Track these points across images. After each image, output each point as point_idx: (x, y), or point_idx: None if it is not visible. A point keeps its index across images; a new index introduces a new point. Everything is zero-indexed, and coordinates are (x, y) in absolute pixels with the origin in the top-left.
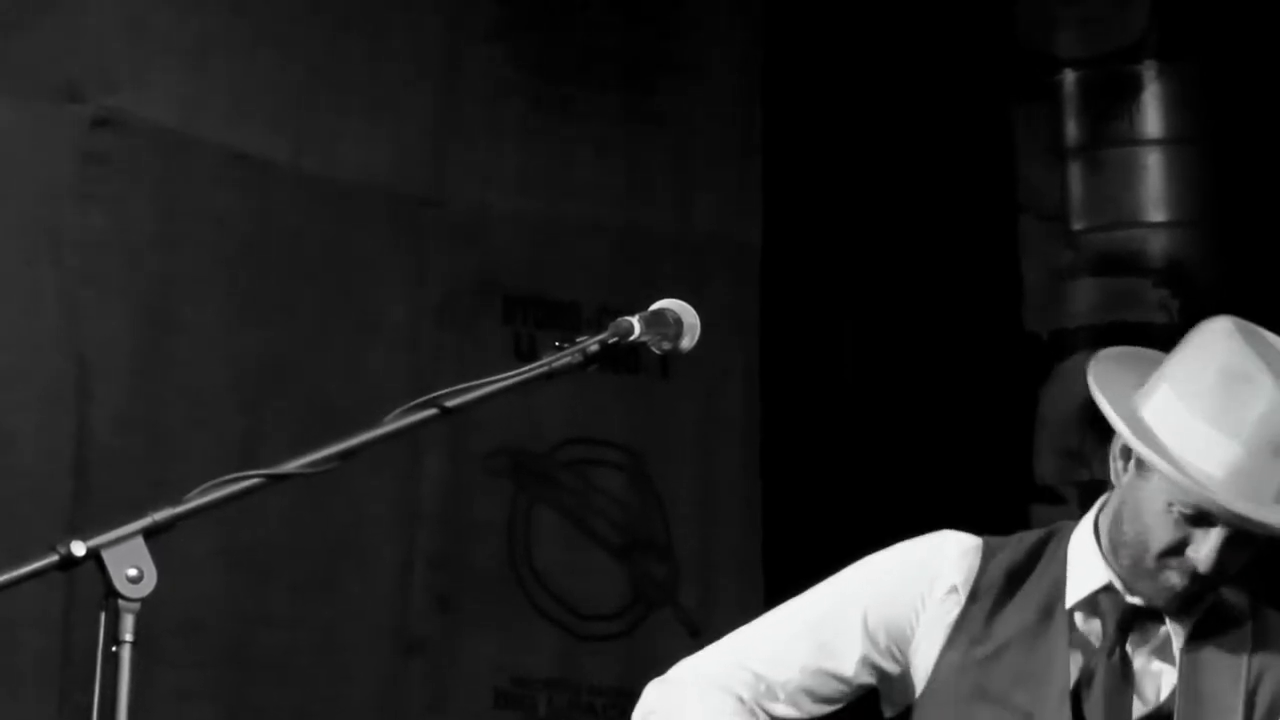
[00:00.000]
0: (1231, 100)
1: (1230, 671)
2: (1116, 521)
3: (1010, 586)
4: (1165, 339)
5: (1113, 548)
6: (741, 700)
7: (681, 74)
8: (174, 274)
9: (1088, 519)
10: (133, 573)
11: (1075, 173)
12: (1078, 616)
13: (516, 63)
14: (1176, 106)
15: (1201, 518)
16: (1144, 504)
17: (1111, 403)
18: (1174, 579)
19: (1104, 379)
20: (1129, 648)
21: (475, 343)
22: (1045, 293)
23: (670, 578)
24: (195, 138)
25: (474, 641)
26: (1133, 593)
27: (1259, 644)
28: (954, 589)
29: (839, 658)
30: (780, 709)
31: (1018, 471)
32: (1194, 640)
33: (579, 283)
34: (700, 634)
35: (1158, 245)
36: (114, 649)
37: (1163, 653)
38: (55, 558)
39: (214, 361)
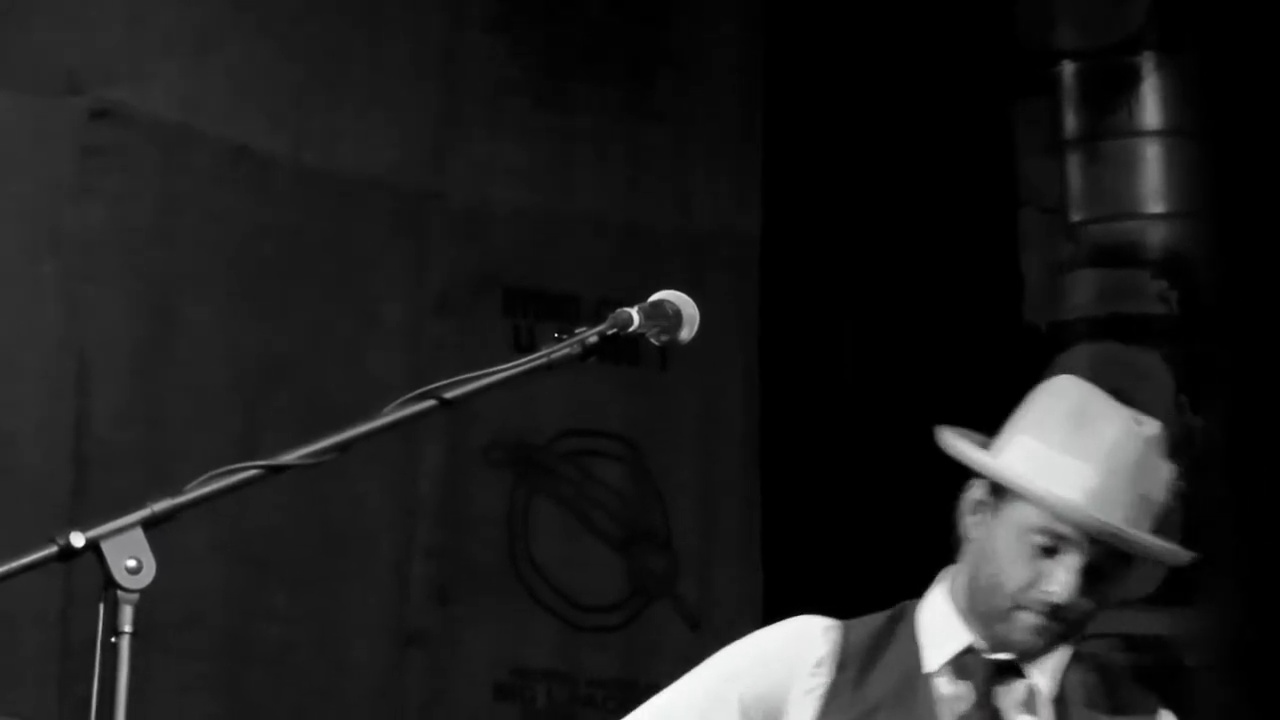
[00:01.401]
0: (1230, 92)
1: None
2: (973, 574)
3: (871, 658)
4: (1164, 330)
5: (970, 604)
6: None
7: (682, 69)
8: (173, 268)
9: (936, 590)
10: (132, 564)
11: (1074, 165)
12: (942, 681)
13: (517, 57)
14: (1175, 98)
15: (1056, 547)
16: (999, 544)
17: (967, 450)
18: (1030, 619)
19: (953, 438)
20: (997, 704)
21: (475, 335)
22: (1045, 284)
23: (669, 569)
24: (195, 131)
25: (473, 634)
26: (994, 645)
27: (1115, 708)
28: (820, 661)
29: None
30: None
31: None
32: (1061, 698)
33: (579, 276)
34: (699, 626)
35: (1157, 237)
36: (113, 640)
37: (1031, 707)
38: (54, 549)
39: (214, 356)
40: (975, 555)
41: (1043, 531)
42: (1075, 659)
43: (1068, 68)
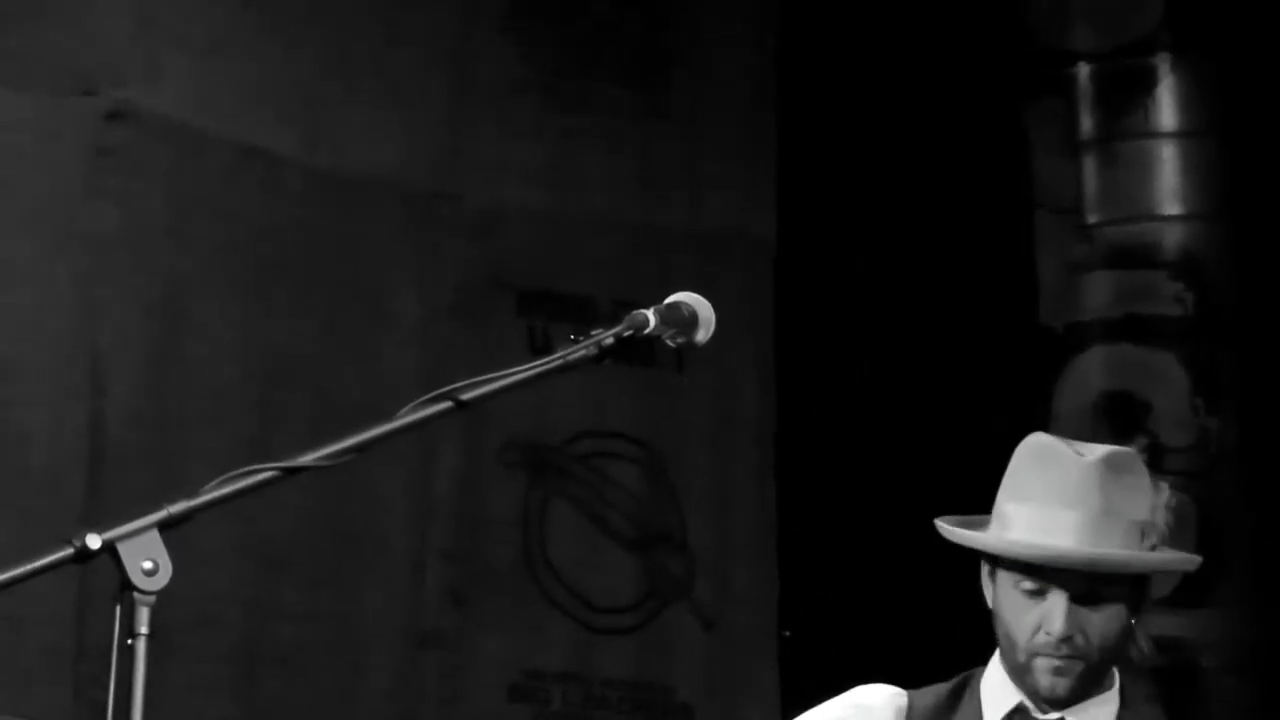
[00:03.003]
0: (1246, 93)
1: None
2: (999, 639)
3: None
4: (1180, 332)
5: (1008, 666)
6: None
7: (695, 69)
8: (186, 268)
9: (995, 656)
10: (148, 565)
11: (1089, 166)
12: None
13: (529, 58)
14: (1191, 99)
15: (1041, 588)
16: (1003, 603)
17: (950, 530)
18: (1045, 662)
19: (945, 524)
20: None
21: (489, 337)
22: (1060, 286)
23: (685, 571)
24: (207, 132)
25: (488, 635)
26: (1037, 702)
27: None
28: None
29: None
30: None
31: None
32: None
33: (593, 277)
34: (714, 627)
35: (1172, 238)
36: (129, 642)
37: None
38: (70, 550)
39: (227, 356)
40: (995, 621)
41: (1023, 578)
42: (1126, 704)
43: (1083, 69)
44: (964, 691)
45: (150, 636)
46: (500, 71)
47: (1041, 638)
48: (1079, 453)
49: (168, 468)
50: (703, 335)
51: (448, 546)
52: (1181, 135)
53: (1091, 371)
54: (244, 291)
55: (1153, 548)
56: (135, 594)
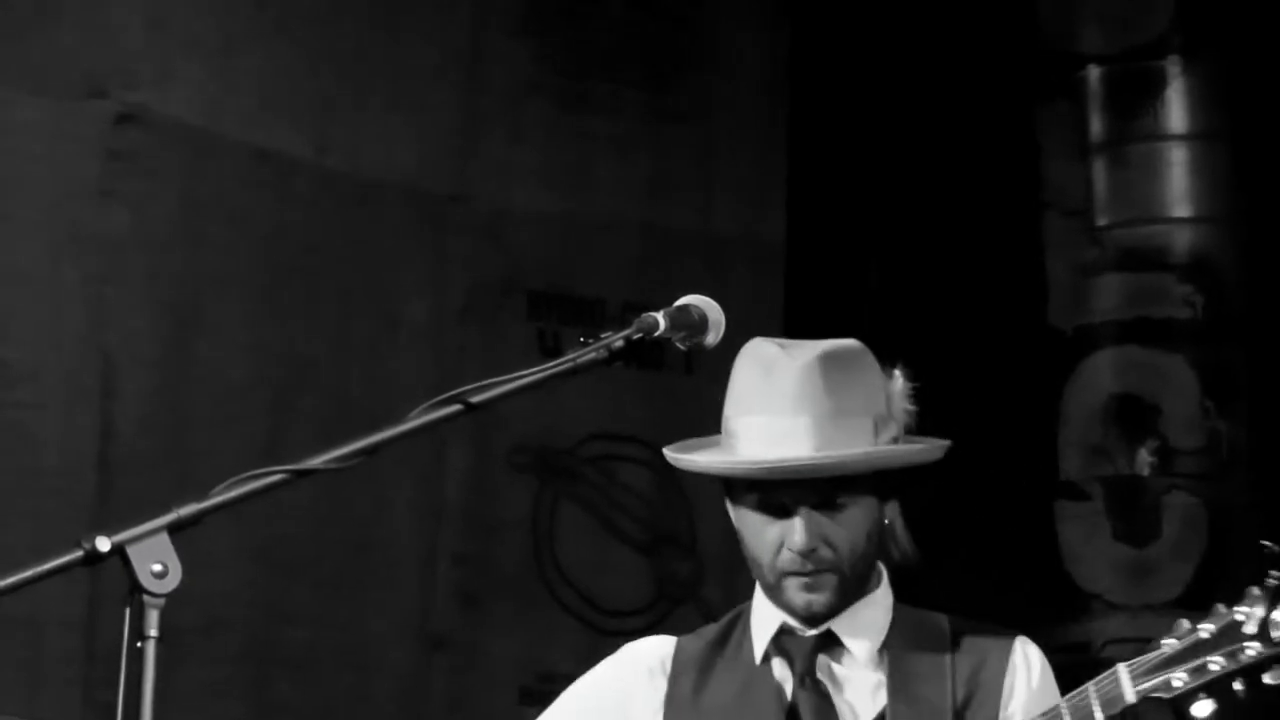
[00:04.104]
0: (1256, 96)
1: (935, 674)
2: (748, 561)
3: (709, 661)
4: (1189, 334)
5: (763, 589)
6: None
7: (705, 71)
8: (197, 271)
9: (759, 585)
10: (158, 568)
11: (1099, 169)
12: (774, 665)
13: (540, 60)
14: (1201, 102)
15: (776, 502)
16: (742, 524)
17: (674, 455)
18: (795, 580)
19: (673, 451)
20: (821, 676)
21: (499, 339)
22: (1070, 288)
23: (694, 574)
24: (218, 135)
25: (498, 638)
26: (793, 615)
27: (958, 647)
28: (653, 671)
29: None
30: None
31: (1042, 467)
32: (895, 650)
33: (603, 279)
34: None
35: (1182, 241)
36: (139, 644)
37: (859, 671)
38: (80, 553)
39: (238, 359)
40: (741, 545)
41: (754, 495)
42: (904, 616)
43: (1093, 72)
44: (734, 626)
45: (160, 639)
46: (512, 75)
47: (786, 555)
48: (794, 355)
49: (178, 471)
50: (712, 338)
51: (458, 549)
52: (1191, 138)
53: (1101, 373)
54: (255, 294)
55: (894, 440)
56: (145, 596)
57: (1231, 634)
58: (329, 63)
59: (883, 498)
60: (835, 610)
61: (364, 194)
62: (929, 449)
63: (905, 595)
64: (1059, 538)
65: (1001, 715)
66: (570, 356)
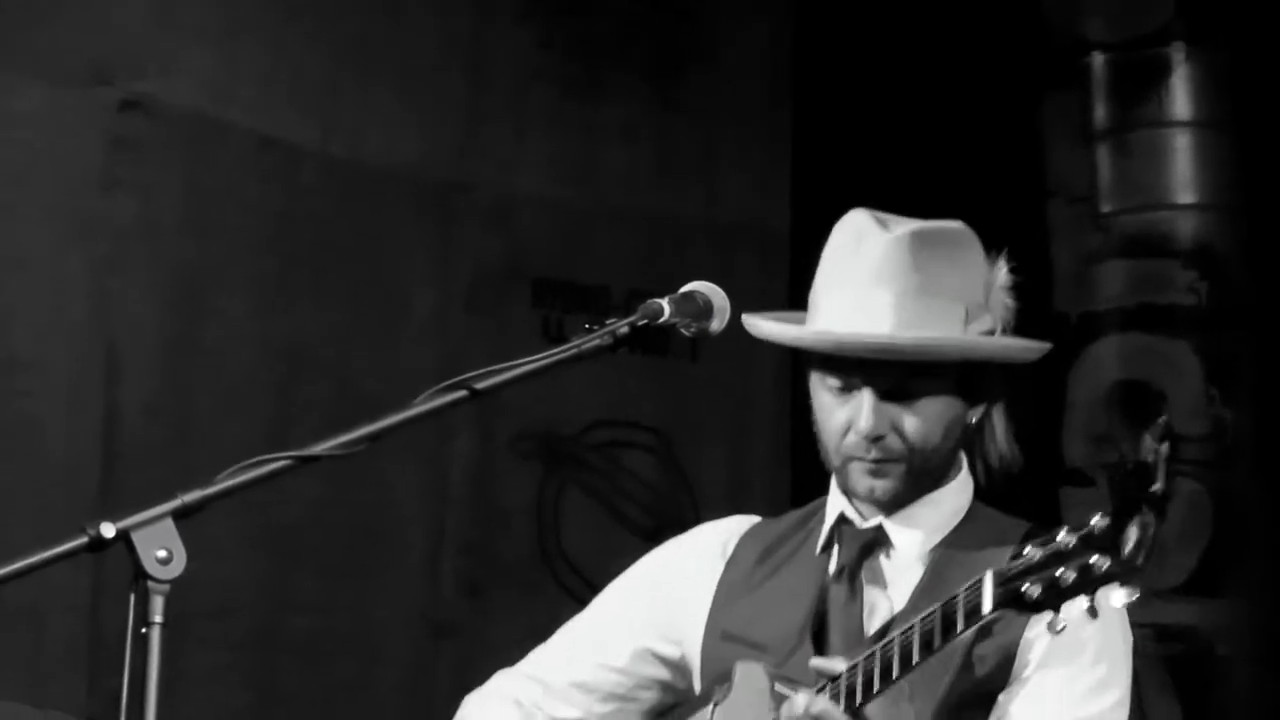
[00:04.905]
0: (1260, 82)
1: (971, 575)
2: (820, 444)
3: (772, 548)
4: (1194, 321)
5: (832, 472)
6: (519, 704)
7: (710, 59)
8: (202, 259)
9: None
10: (162, 554)
11: (1104, 156)
12: (831, 556)
13: (545, 48)
14: (1205, 89)
15: (847, 384)
16: (816, 404)
17: (754, 322)
18: (859, 465)
19: (753, 318)
20: (866, 572)
21: (504, 326)
22: (1074, 275)
23: None
24: (224, 122)
25: (503, 625)
26: (856, 500)
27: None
28: (714, 552)
29: (609, 648)
30: (560, 709)
31: (1047, 454)
32: (947, 551)
33: (608, 266)
34: None
35: (1186, 228)
36: (144, 630)
37: (905, 570)
38: (85, 539)
39: (243, 347)
40: (814, 428)
41: (828, 374)
42: (979, 516)
43: (1097, 59)
44: (812, 515)
45: (165, 625)
46: (517, 63)
47: (851, 438)
48: (889, 228)
49: (183, 458)
50: (717, 324)
51: (462, 536)
52: (1196, 125)
53: (1105, 360)
54: (260, 282)
55: (988, 334)
56: (150, 583)
57: (1087, 546)
58: (334, 50)
59: (967, 398)
60: (902, 500)
61: (369, 182)
62: (1025, 347)
63: None
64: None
65: (1024, 634)
66: (575, 343)
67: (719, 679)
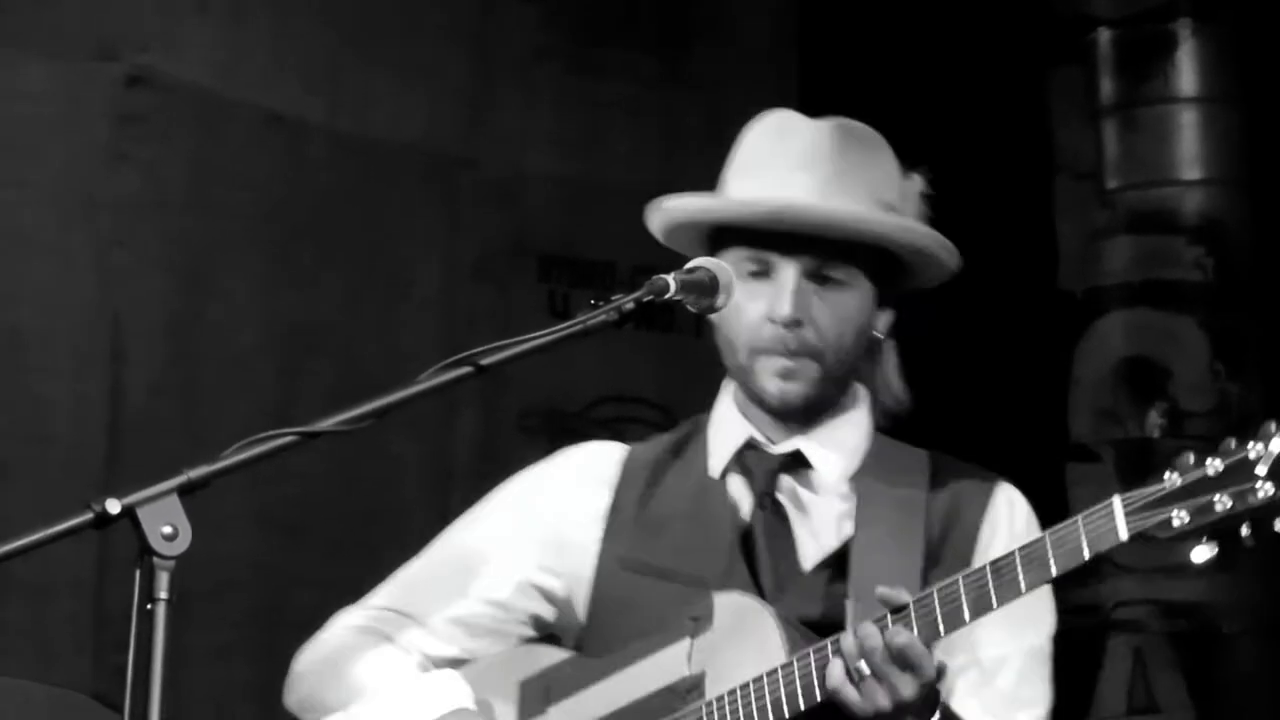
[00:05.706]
0: (1267, 58)
1: (908, 507)
2: (721, 345)
3: (659, 471)
4: (1200, 297)
5: (733, 378)
6: (389, 639)
7: (716, 36)
8: (208, 235)
9: (723, 393)
10: (168, 530)
11: (1110, 131)
12: (731, 481)
13: (551, 24)
14: (1211, 64)
15: (766, 264)
16: (728, 306)
17: (670, 203)
18: (772, 360)
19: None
20: (783, 498)
21: (510, 302)
22: (1080, 251)
23: None
24: (230, 98)
25: None
26: (767, 426)
27: (937, 483)
28: (598, 480)
29: (489, 581)
30: (437, 646)
31: (1053, 429)
32: (867, 479)
33: (613, 242)
34: None
35: (1192, 203)
36: (149, 607)
37: (825, 497)
38: (90, 516)
39: (248, 323)
40: (716, 329)
41: (748, 252)
42: (883, 446)
43: (1103, 34)
44: (691, 437)
45: (170, 602)
46: (523, 38)
47: (768, 330)
48: (810, 121)
49: (188, 435)
50: (722, 300)
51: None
52: (1202, 100)
53: (1111, 336)
54: (265, 258)
55: None
56: (155, 559)
57: (1242, 471)
58: (340, 25)
59: (880, 290)
60: (810, 407)
61: (375, 157)
62: (945, 245)
63: None
64: (1069, 500)
65: (976, 556)
66: (581, 319)
67: (620, 608)
